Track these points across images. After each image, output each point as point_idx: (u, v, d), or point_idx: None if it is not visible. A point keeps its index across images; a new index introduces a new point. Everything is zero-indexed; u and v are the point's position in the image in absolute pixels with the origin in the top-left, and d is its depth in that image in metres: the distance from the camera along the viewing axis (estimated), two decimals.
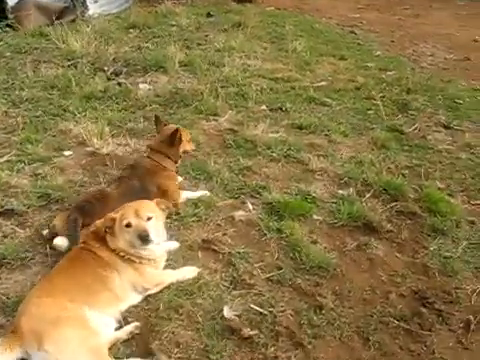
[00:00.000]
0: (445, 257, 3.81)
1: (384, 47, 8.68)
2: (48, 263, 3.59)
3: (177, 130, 4.11)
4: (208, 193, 4.30)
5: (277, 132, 5.40)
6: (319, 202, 4.35)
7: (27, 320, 2.86)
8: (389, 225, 4.10)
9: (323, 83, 6.78)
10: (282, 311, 3.30)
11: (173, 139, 4.12)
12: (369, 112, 6.01)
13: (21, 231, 3.96)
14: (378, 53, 8.21)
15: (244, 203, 4.33)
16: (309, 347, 3.06)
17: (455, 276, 3.65)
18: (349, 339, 3.15)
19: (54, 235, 3.73)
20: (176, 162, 4.26)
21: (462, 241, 3.98)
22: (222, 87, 6.37)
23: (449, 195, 4.54)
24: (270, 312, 3.28)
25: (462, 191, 4.64)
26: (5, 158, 4.87)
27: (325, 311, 3.31)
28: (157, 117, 4.41)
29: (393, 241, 3.99)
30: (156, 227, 3.29)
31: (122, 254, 3.27)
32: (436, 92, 6.70)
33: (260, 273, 3.61)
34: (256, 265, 3.67)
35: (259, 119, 5.68)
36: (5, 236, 3.92)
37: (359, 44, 8.58)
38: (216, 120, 5.67)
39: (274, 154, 4.95)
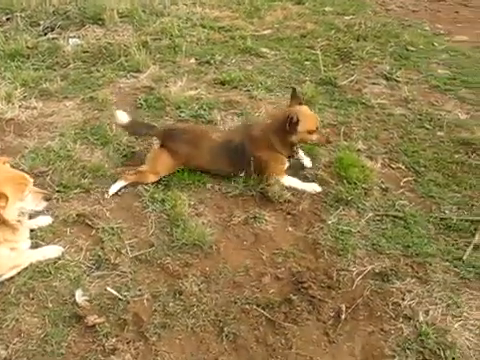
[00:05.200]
0: (342, 232, 3.39)
1: None
2: None
3: (288, 117, 3.53)
4: (318, 188, 3.76)
5: (196, 89, 4.92)
6: None
7: None
8: (289, 195, 3.67)
9: (267, 31, 6.20)
10: (139, 296, 2.98)
11: (282, 125, 3.57)
12: (306, 63, 5.44)
13: None
14: None
15: None
16: (153, 339, 2.74)
17: (345, 255, 3.22)
18: (202, 329, 2.81)
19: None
20: (291, 145, 3.73)
21: (368, 212, 3.55)
22: (154, 40, 5.91)
23: (368, 158, 4.07)
24: (125, 297, 2.97)
25: (385, 153, 4.15)
26: None
27: (184, 296, 2.97)
28: (294, 90, 3.81)
29: (289, 213, 3.57)
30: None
31: None
32: (390, 38, 6.04)
33: (129, 251, 3.28)
34: (127, 242, 3.35)
35: (182, 74, 5.21)
36: None
37: None
38: (136, 77, 5.22)
39: (183, 114, 4.50)
